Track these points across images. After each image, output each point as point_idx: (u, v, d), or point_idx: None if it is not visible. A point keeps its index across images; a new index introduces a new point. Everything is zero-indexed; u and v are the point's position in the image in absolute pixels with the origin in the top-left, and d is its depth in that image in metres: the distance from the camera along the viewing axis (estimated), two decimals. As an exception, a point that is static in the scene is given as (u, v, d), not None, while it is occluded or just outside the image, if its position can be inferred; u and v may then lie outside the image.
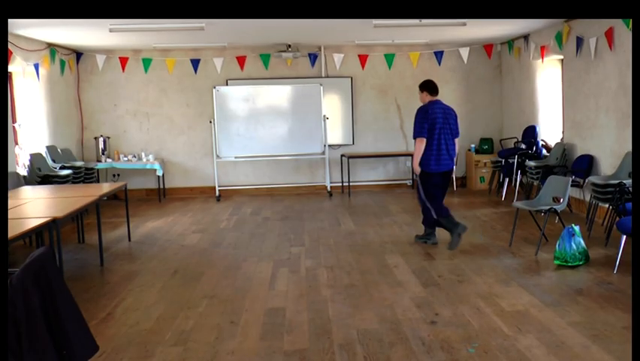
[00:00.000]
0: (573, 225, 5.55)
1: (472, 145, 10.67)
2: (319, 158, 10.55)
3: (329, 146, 10.49)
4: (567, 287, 4.85)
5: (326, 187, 10.59)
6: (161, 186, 10.33)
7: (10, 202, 5.57)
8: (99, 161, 9.96)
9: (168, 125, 10.56)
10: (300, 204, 9.43)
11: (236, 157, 10.30)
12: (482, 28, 8.76)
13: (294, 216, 8.41)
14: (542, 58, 8.97)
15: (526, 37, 9.53)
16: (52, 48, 9.04)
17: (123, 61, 10.17)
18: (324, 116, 10.23)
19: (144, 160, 10.12)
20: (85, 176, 8.82)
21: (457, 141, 6.37)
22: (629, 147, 6.71)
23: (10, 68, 7.90)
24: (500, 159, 9.47)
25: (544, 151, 8.99)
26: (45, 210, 5.25)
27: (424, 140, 6.12)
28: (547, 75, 9.20)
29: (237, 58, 10.34)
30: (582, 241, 5.46)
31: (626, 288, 4.73)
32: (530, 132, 9.37)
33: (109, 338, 4.02)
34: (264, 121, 10.19)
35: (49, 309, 2.52)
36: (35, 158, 8.01)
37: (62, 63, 9.49)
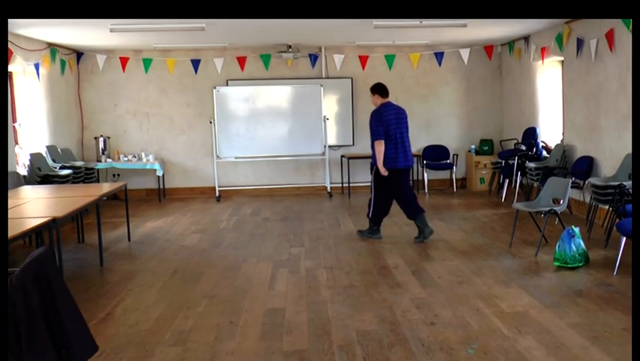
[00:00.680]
0: (573, 226, 5.55)
1: (472, 146, 10.66)
2: (319, 158, 10.55)
3: (329, 146, 10.49)
4: (567, 289, 4.86)
5: (326, 188, 10.59)
6: (161, 187, 10.33)
7: (10, 202, 5.57)
8: (99, 161, 9.96)
9: (168, 126, 10.56)
10: (299, 205, 9.43)
11: (236, 157, 10.30)
12: (483, 30, 8.76)
13: (294, 217, 8.41)
14: (543, 59, 8.97)
15: (526, 38, 9.53)
16: (53, 48, 9.04)
17: (124, 61, 10.17)
18: (325, 116, 10.23)
19: (144, 160, 10.12)
20: (85, 176, 8.82)
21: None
22: (629, 149, 6.71)
23: (10, 68, 7.91)
24: (500, 161, 9.47)
25: (544, 152, 8.99)
26: (45, 210, 5.25)
27: (383, 142, 6.47)
28: (548, 76, 9.20)
29: (238, 58, 10.35)
30: (582, 243, 5.46)
31: (626, 290, 4.73)
32: (530, 134, 9.37)
33: (108, 337, 4.03)
34: (264, 121, 10.19)
35: (48, 309, 2.52)
36: (35, 158, 8.01)
37: (63, 63, 9.49)
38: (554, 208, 5.98)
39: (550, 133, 9.17)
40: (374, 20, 7.50)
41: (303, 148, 10.31)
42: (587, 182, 7.33)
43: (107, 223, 7.96)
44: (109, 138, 10.30)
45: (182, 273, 5.63)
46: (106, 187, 7.02)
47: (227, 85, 10.37)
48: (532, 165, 8.31)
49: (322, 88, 10.24)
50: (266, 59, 10.36)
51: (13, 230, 4.20)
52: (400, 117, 6.66)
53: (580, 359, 3.53)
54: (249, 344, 3.88)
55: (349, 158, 10.35)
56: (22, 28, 7.52)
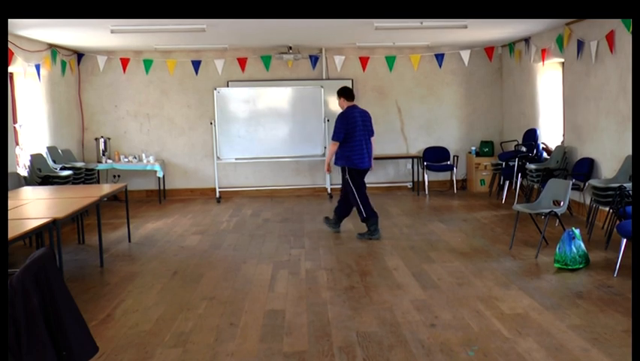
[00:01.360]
0: (573, 228, 5.55)
1: (473, 148, 10.66)
2: (320, 160, 10.54)
3: (329, 148, 10.48)
4: (567, 290, 4.85)
5: (326, 189, 10.59)
6: (162, 188, 10.33)
7: (11, 203, 5.57)
8: (99, 162, 9.97)
9: (169, 127, 10.56)
10: (300, 206, 9.43)
11: (236, 159, 10.30)
12: (483, 31, 8.76)
13: (294, 218, 8.41)
14: (543, 61, 8.97)
15: (527, 40, 9.53)
16: (54, 49, 9.05)
17: (124, 62, 10.18)
18: (325, 118, 10.23)
19: (144, 161, 10.12)
20: (85, 177, 8.82)
21: (373, 139, 7.15)
22: (629, 151, 6.71)
23: (11, 69, 7.92)
24: (501, 162, 9.47)
25: (544, 154, 8.98)
26: (45, 211, 5.25)
27: (338, 143, 6.89)
28: (548, 78, 9.21)
29: (238, 59, 10.35)
30: (582, 244, 5.46)
31: (626, 291, 4.73)
32: (531, 135, 9.37)
33: (108, 339, 4.02)
34: (265, 123, 10.19)
35: (49, 310, 2.52)
36: (36, 158, 8.01)
37: (63, 64, 9.50)
38: (555, 210, 5.98)
39: (551, 135, 9.17)
40: (375, 22, 7.51)
41: (304, 149, 10.31)
42: (587, 184, 7.33)
43: (107, 224, 7.96)
44: (109, 138, 10.30)
45: (183, 274, 5.63)
46: (106, 188, 7.02)
47: (227, 86, 10.37)
48: (532, 166, 8.31)
49: (323, 89, 10.24)
50: (266, 60, 10.36)
51: (13, 231, 4.21)
52: (365, 120, 7.01)
53: (580, 361, 3.53)
54: (249, 346, 3.88)
55: (350, 159, 10.33)
56: (23, 29, 7.52)
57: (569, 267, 5.36)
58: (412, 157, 10.68)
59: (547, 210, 6.00)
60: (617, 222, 5.84)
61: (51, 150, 8.68)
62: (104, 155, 10.06)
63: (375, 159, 10.68)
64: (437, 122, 10.90)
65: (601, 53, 7.35)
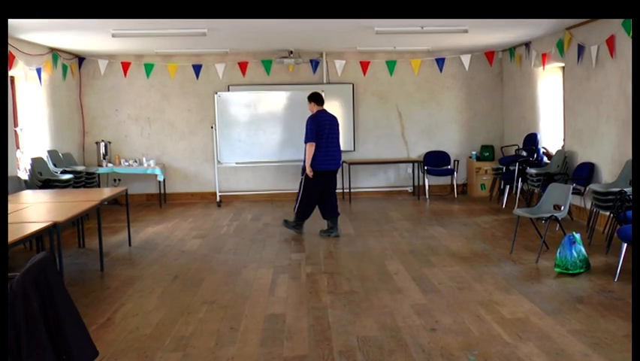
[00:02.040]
0: (574, 232, 5.54)
1: (473, 152, 10.67)
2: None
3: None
4: (568, 295, 4.85)
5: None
6: (162, 192, 10.34)
7: (11, 206, 5.57)
8: (100, 166, 9.97)
9: (169, 131, 10.57)
10: (300, 210, 9.41)
11: (237, 163, 10.30)
12: (484, 36, 8.78)
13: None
14: (543, 65, 8.99)
15: (527, 44, 9.55)
16: (55, 53, 9.06)
17: (125, 66, 10.20)
18: (326, 122, 10.22)
19: (145, 165, 10.13)
20: (86, 181, 8.83)
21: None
22: (629, 155, 6.71)
23: (12, 73, 7.93)
24: (501, 167, 9.47)
25: (545, 159, 8.99)
26: (46, 215, 5.26)
27: (314, 144, 7.16)
28: (549, 83, 9.22)
29: (239, 64, 10.37)
30: (583, 249, 5.46)
31: (627, 296, 4.73)
32: (531, 140, 9.38)
33: (108, 343, 4.02)
34: (266, 127, 10.20)
35: (49, 314, 2.52)
36: (36, 162, 8.02)
37: (64, 68, 9.51)
38: (555, 214, 5.97)
39: (551, 139, 9.17)
40: (375, 26, 7.51)
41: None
42: (587, 188, 7.33)
43: (107, 228, 7.96)
44: (110, 142, 10.32)
45: (183, 278, 5.63)
46: (107, 192, 7.02)
47: (228, 90, 10.38)
48: (533, 171, 8.31)
49: (323, 94, 10.21)
50: (267, 64, 10.38)
51: (13, 235, 4.21)
52: (333, 124, 7.36)
53: (581, 365, 3.53)
54: (249, 350, 3.87)
55: (350, 163, 10.35)
56: (24, 32, 7.54)
57: (570, 271, 5.36)
58: (413, 161, 10.69)
59: (548, 215, 6.00)
60: (618, 226, 5.83)
61: (52, 153, 8.69)
62: (104, 159, 10.07)
63: (376, 163, 10.83)
64: (438, 127, 10.91)
65: (601, 58, 7.36)
